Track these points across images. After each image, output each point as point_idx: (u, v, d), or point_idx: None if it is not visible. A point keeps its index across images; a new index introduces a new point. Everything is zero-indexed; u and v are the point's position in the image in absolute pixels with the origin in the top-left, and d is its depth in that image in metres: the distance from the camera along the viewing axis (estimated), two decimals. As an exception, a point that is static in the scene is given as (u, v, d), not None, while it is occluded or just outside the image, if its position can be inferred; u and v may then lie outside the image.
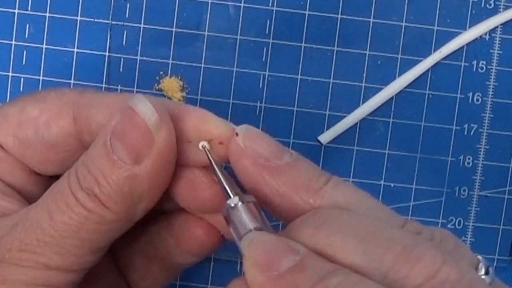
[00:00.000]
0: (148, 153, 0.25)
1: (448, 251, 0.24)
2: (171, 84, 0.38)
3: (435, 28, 0.38)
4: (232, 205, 0.25)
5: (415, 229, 0.25)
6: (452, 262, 0.22)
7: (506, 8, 0.38)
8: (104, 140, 0.25)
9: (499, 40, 0.38)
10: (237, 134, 0.26)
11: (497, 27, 0.38)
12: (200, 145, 0.27)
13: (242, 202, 0.25)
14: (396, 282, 0.22)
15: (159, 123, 0.25)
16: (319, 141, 0.38)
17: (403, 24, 0.38)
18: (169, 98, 0.38)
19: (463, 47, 0.38)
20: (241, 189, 0.26)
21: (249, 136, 0.26)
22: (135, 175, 0.25)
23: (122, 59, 0.38)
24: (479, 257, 0.25)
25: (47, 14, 0.38)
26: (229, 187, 0.26)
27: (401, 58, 0.38)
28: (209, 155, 0.27)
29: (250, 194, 0.26)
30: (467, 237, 0.38)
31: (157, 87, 0.38)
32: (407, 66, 0.38)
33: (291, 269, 0.23)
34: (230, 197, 0.26)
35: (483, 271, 0.24)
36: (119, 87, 0.38)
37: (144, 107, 0.25)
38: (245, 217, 0.25)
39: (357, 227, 0.24)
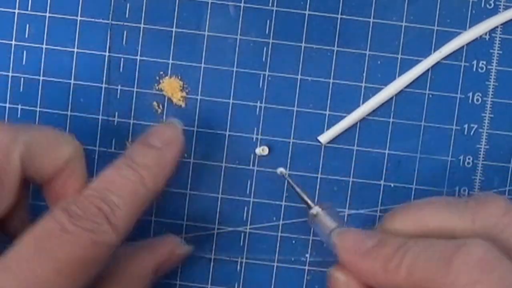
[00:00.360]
0: (174, 141, 0.34)
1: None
2: (171, 84, 0.38)
3: (435, 28, 0.38)
4: (315, 213, 0.33)
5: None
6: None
7: (506, 8, 0.37)
8: (141, 138, 0.34)
9: (499, 40, 0.38)
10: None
11: (497, 27, 0.38)
12: (278, 172, 0.36)
13: (322, 209, 0.33)
14: (483, 222, 0.30)
15: (181, 130, 0.34)
16: (319, 141, 0.38)
17: (403, 24, 0.38)
18: (169, 98, 0.38)
19: (463, 47, 0.38)
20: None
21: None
22: (164, 152, 0.33)
23: (122, 59, 0.38)
24: None
25: (47, 14, 0.38)
26: (309, 200, 0.34)
27: (401, 58, 0.38)
28: (289, 180, 0.35)
29: (326, 203, 0.34)
30: (467, 237, 0.38)
31: (157, 87, 0.38)
32: (407, 66, 0.38)
33: (375, 246, 0.30)
34: (311, 207, 0.34)
35: None
36: (119, 87, 0.38)
37: (177, 122, 0.35)
38: (327, 220, 0.33)
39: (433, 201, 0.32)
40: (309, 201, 0.34)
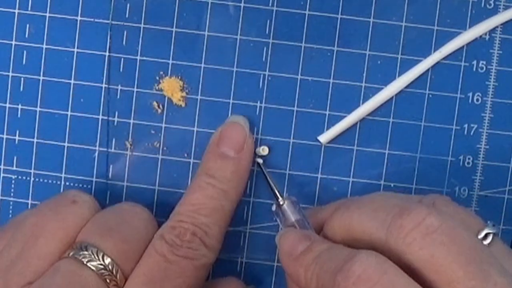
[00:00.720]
0: (245, 144, 0.36)
1: (441, 210, 0.31)
2: (171, 84, 0.38)
3: (435, 28, 0.38)
4: (281, 203, 0.35)
5: (417, 198, 0.33)
6: (435, 213, 0.29)
7: (506, 8, 0.37)
8: (211, 147, 0.36)
9: (499, 40, 0.38)
10: None
11: (497, 27, 0.38)
12: (256, 160, 0.37)
13: (286, 202, 0.35)
14: (393, 233, 0.29)
15: (248, 126, 0.37)
16: (319, 141, 0.38)
17: (403, 24, 0.38)
18: (169, 98, 0.38)
19: (463, 47, 0.38)
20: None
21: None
22: (239, 160, 0.35)
23: (122, 59, 0.38)
24: (488, 222, 0.32)
25: (47, 14, 0.38)
26: (277, 191, 0.35)
27: (401, 58, 0.38)
28: (262, 168, 0.36)
29: (292, 197, 0.35)
30: (467, 237, 0.38)
31: (157, 87, 0.38)
32: (407, 66, 0.38)
33: (302, 252, 0.31)
34: (278, 198, 0.35)
35: (482, 235, 0.31)
36: (119, 87, 0.38)
37: (241, 120, 0.37)
38: (289, 212, 0.35)
39: (367, 204, 0.32)
40: (277, 192, 0.35)
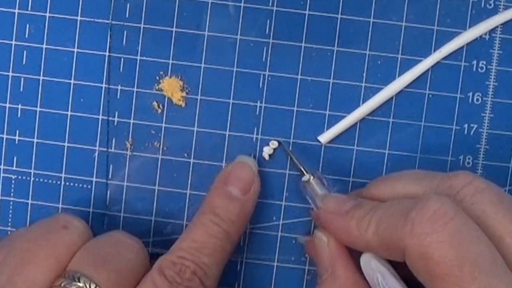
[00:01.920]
0: (252, 186, 0.36)
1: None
2: (171, 84, 0.38)
3: (435, 28, 0.38)
4: (306, 179, 0.36)
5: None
6: (481, 177, 0.31)
7: (506, 8, 0.37)
8: (218, 185, 0.36)
9: (499, 40, 0.38)
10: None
11: (497, 27, 0.38)
12: (272, 144, 0.38)
13: (313, 177, 0.36)
14: (444, 192, 0.30)
15: (256, 167, 0.37)
16: (319, 141, 0.38)
17: (403, 24, 0.38)
18: (169, 98, 0.38)
19: (463, 47, 0.38)
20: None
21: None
22: (245, 202, 0.35)
23: (122, 59, 0.38)
24: None
25: (47, 14, 0.38)
26: (303, 168, 0.36)
27: (401, 58, 0.38)
28: (286, 147, 0.38)
29: (318, 172, 0.37)
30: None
31: (157, 87, 0.38)
32: (407, 66, 0.38)
33: (352, 208, 0.32)
34: (304, 174, 0.36)
35: None
36: (119, 87, 0.38)
37: (249, 160, 0.37)
38: (316, 187, 0.36)
39: (407, 174, 0.34)
40: (302, 169, 0.36)
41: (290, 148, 0.38)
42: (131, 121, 0.38)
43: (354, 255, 0.33)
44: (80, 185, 0.39)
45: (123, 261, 0.33)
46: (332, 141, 0.38)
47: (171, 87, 0.38)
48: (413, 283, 0.30)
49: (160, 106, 0.38)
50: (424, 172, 0.34)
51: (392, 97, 0.38)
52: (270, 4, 0.38)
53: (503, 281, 0.27)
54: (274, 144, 0.38)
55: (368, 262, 0.32)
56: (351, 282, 0.33)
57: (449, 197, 0.30)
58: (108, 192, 0.39)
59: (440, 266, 0.27)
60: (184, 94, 0.38)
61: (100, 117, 0.38)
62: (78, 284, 0.31)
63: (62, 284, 0.31)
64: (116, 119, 0.38)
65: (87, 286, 0.31)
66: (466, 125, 0.38)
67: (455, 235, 0.28)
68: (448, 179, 0.31)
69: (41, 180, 0.39)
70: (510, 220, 0.29)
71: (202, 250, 0.34)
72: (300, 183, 0.36)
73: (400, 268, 0.31)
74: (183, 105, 0.38)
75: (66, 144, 0.39)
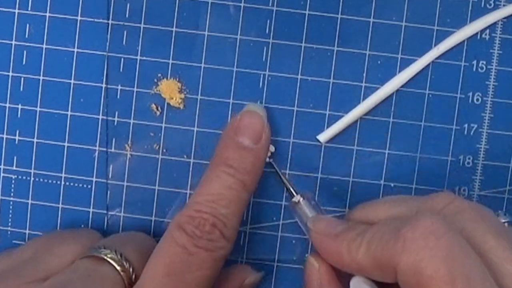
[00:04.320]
0: (263, 134, 0.35)
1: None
2: (169, 86, 0.38)
3: (435, 28, 0.38)
4: (296, 201, 0.36)
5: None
6: (461, 198, 0.31)
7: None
8: (229, 136, 0.35)
9: (499, 40, 0.38)
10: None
11: (497, 26, 0.38)
12: (267, 160, 0.37)
13: (303, 199, 0.36)
14: (426, 210, 0.31)
15: (265, 115, 0.36)
16: (319, 141, 0.38)
17: (403, 24, 0.38)
18: (168, 101, 0.39)
19: (463, 46, 0.38)
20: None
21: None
22: (258, 151, 0.35)
23: (122, 59, 0.38)
24: (499, 212, 0.35)
25: (47, 14, 0.38)
26: (292, 189, 0.36)
27: (401, 57, 0.38)
28: (275, 166, 0.37)
29: (308, 192, 0.36)
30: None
31: (155, 90, 0.38)
32: (407, 65, 0.38)
33: (343, 230, 0.32)
34: (294, 195, 0.36)
35: (502, 215, 0.34)
36: (119, 87, 0.38)
37: (259, 109, 0.36)
38: (306, 209, 0.36)
39: (388, 199, 0.35)
40: (292, 190, 0.36)
41: (291, 150, 0.39)
42: (131, 121, 0.39)
43: (345, 280, 0.33)
44: (80, 185, 0.39)
45: (141, 241, 0.35)
46: (332, 141, 0.38)
47: (169, 90, 0.38)
48: None
49: (159, 108, 0.38)
50: (405, 196, 0.35)
51: (392, 97, 0.38)
52: (270, 4, 0.38)
53: None
54: (271, 148, 0.38)
55: (358, 285, 0.32)
56: None
57: None
58: (108, 192, 0.39)
59: (433, 281, 0.27)
60: (182, 95, 0.38)
61: (100, 117, 0.39)
62: (106, 251, 0.32)
63: (90, 253, 0.33)
64: (116, 119, 0.39)
65: (114, 253, 0.32)
66: (466, 125, 0.38)
67: (447, 250, 0.28)
68: (429, 199, 0.32)
69: (41, 180, 0.39)
70: (492, 235, 0.29)
71: (219, 202, 0.34)
72: (289, 204, 0.36)
73: None
74: (182, 107, 0.38)
75: (66, 144, 0.39)
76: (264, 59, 0.38)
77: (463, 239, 0.28)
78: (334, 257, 0.32)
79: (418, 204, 0.32)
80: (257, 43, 0.38)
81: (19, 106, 0.39)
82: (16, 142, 0.39)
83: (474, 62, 0.38)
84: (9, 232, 0.40)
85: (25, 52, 0.39)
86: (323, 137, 0.38)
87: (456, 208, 0.30)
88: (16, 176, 0.39)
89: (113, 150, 0.39)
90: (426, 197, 0.32)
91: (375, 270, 0.30)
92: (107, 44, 0.38)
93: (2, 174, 0.39)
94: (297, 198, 0.36)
